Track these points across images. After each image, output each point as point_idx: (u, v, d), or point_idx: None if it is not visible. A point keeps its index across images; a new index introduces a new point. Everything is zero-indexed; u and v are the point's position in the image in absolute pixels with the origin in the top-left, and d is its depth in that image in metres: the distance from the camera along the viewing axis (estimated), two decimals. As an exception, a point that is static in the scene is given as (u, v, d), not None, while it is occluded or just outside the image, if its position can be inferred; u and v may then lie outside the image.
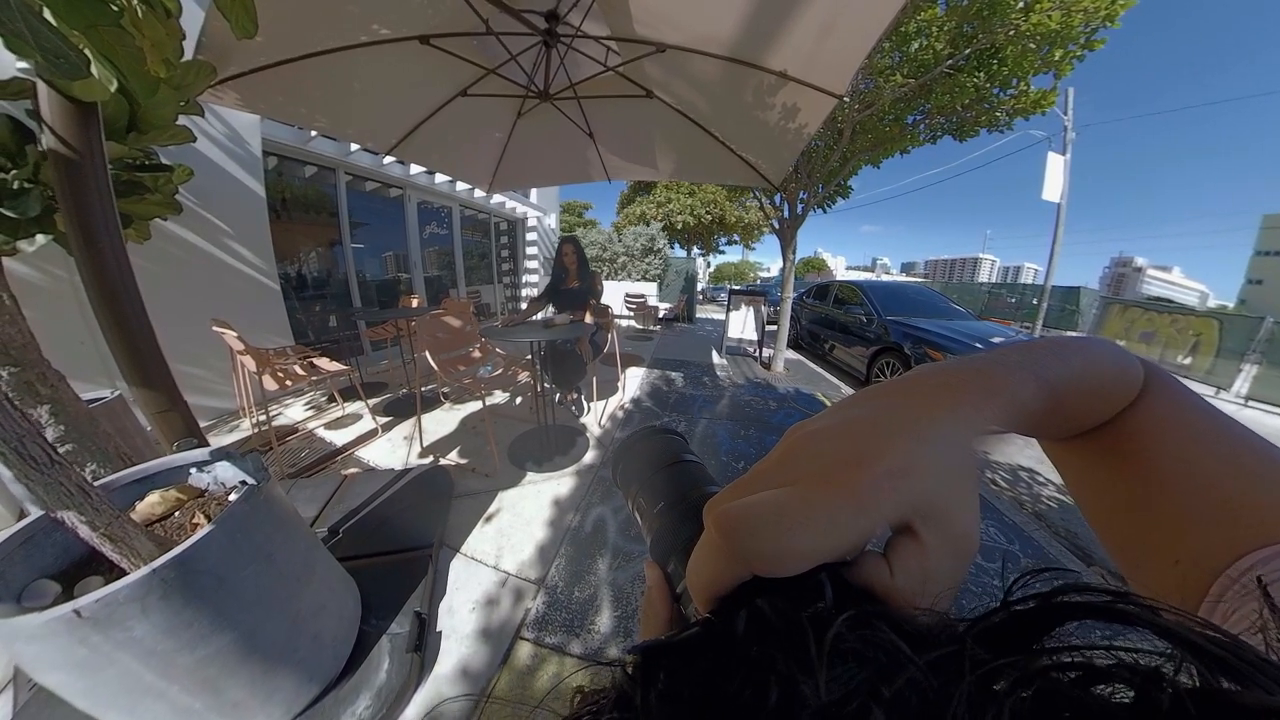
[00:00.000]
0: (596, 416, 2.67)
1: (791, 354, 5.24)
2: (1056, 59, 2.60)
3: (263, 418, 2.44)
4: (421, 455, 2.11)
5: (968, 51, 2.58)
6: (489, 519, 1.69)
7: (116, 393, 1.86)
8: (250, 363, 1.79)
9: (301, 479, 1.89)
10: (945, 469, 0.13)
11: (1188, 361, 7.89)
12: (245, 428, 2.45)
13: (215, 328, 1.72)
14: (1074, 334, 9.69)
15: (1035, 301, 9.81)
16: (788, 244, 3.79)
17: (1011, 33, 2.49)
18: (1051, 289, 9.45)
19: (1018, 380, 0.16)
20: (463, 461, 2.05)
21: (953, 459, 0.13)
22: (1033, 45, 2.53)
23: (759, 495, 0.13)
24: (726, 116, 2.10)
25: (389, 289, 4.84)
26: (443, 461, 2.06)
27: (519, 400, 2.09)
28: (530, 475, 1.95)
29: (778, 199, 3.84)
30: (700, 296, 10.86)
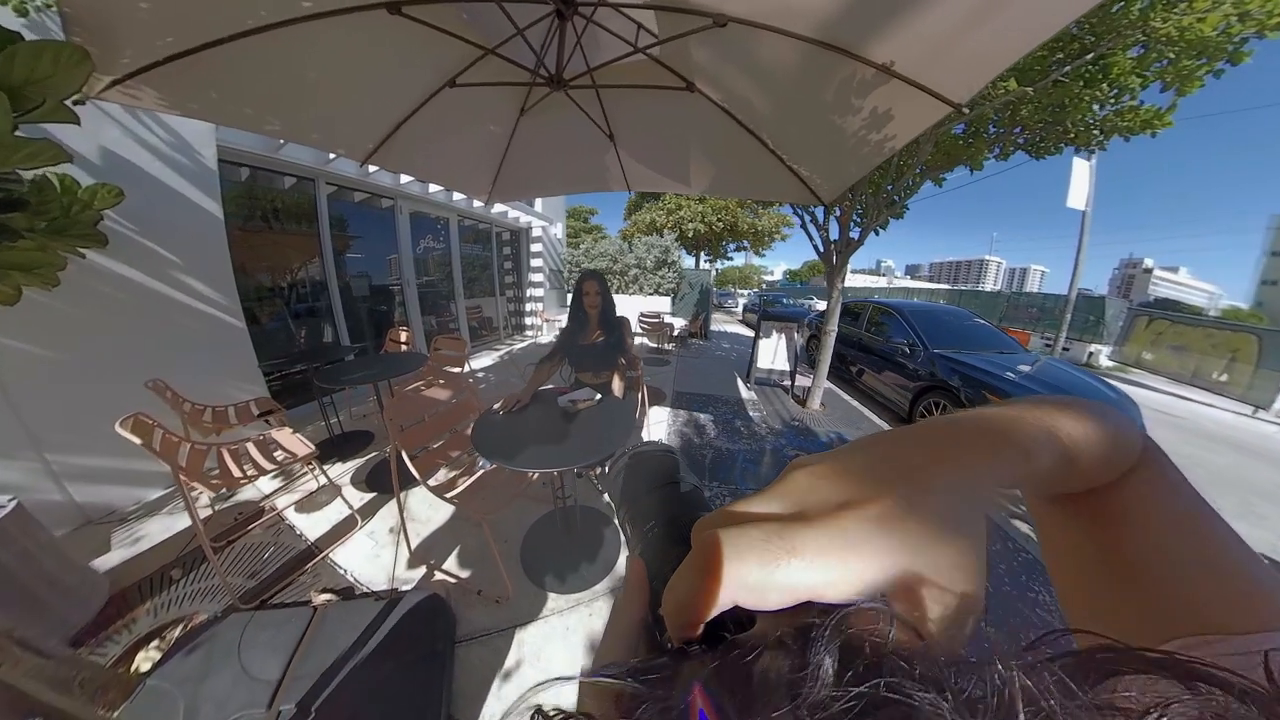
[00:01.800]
0: (625, 491, 2.23)
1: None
2: (1185, 71, 2.13)
3: (209, 504, 1.99)
4: (411, 563, 1.66)
5: (1090, 56, 2.11)
6: (507, 676, 1.26)
7: (14, 500, 1.39)
8: (179, 473, 1.32)
9: (263, 610, 1.44)
10: (943, 521, 0.13)
11: (1224, 379, 7.54)
12: (199, 502, 1.99)
13: (119, 428, 1.25)
14: (1090, 395, 9.29)
15: (1059, 311, 9.45)
16: (837, 271, 3.32)
17: (1141, 36, 2.02)
18: (1075, 299, 9.05)
19: (1038, 443, 0.16)
20: (464, 576, 1.60)
21: (954, 513, 0.13)
22: (1171, 53, 2.05)
23: (750, 525, 0.13)
24: (789, 119, 1.63)
25: (382, 300, 4.37)
26: (439, 574, 1.61)
27: (535, 474, 1.64)
28: (552, 600, 1.50)
29: (820, 214, 3.38)
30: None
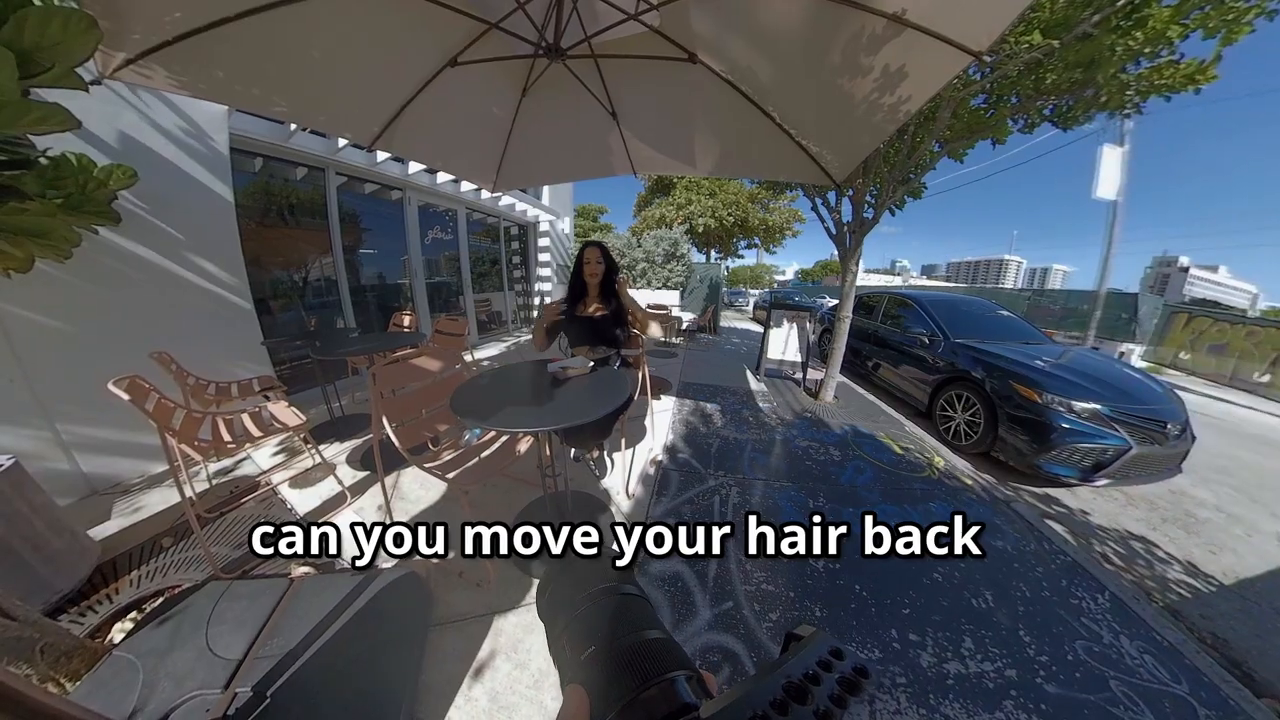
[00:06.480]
0: (623, 477, 2.14)
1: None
2: (1231, 14, 1.95)
3: (206, 478, 1.99)
4: (396, 541, 1.61)
5: (1121, 3, 1.95)
6: (479, 672, 1.17)
7: (12, 459, 1.40)
8: (165, 432, 1.30)
9: (241, 581, 1.40)
10: None
11: (1266, 379, 7.01)
12: (198, 476, 1.99)
13: (112, 386, 1.23)
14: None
15: (1085, 309, 8.97)
16: (851, 254, 3.19)
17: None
18: (1105, 295, 8.57)
19: None
20: (447, 556, 1.53)
21: None
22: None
23: None
24: (795, 88, 1.55)
25: (390, 295, 4.41)
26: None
27: (523, 448, 1.57)
28: (537, 588, 1.42)
29: (832, 197, 3.25)
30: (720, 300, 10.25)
